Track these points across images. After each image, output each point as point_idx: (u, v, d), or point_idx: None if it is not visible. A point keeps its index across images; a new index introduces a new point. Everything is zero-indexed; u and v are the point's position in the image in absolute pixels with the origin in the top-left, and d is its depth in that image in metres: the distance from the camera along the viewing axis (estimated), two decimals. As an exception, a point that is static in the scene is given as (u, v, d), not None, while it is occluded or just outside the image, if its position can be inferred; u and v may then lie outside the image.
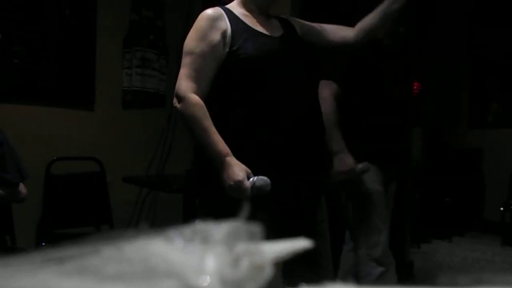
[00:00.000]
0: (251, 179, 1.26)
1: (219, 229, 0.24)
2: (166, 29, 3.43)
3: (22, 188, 1.81)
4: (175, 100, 1.37)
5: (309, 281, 0.28)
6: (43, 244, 2.64)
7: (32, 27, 2.96)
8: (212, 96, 1.39)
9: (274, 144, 1.35)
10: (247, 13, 1.45)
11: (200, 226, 0.25)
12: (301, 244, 0.27)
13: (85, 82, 3.12)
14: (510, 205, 4.04)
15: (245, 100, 1.36)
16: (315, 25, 1.59)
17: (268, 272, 0.24)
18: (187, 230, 0.25)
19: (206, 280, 0.22)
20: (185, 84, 1.35)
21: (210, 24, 1.38)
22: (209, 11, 1.40)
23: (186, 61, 1.38)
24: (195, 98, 1.33)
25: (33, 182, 2.08)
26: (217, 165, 1.29)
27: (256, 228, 0.25)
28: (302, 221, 1.44)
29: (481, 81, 4.86)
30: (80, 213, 2.78)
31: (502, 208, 4.05)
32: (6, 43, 2.85)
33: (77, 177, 2.82)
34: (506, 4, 4.30)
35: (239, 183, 1.24)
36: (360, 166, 1.89)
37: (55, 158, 2.74)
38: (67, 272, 0.22)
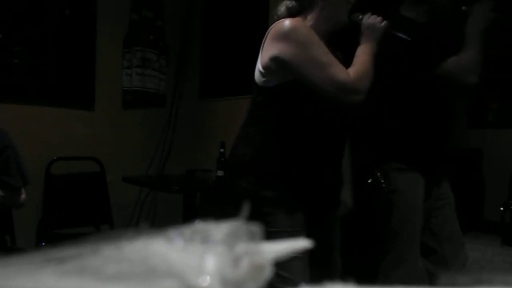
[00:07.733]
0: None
1: (219, 229, 0.24)
2: (166, 29, 3.43)
3: (21, 193, 1.81)
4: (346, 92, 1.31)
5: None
6: (43, 244, 2.64)
7: (32, 27, 2.96)
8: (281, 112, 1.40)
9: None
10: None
11: (200, 226, 0.25)
12: (300, 244, 0.27)
13: (85, 82, 3.13)
14: (510, 205, 4.03)
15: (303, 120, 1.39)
16: None
17: (268, 272, 0.24)
18: (187, 230, 0.25)
19: (206, 280, 0.22)
20: (342, 74, 1.30)
21: (310, 31, 1.34)
22: (295, 21, 1.34)
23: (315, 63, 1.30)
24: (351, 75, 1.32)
25: (33, 182, 2.07)
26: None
27: (256, 228, 0.25)
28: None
29: (481, 81, 4.86)
30: (80, 213, 2.78)
31: (502, 208, 4.04)
32: (6, 43, 2.86)
33: (77, 177, 2.82)
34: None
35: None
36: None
37: (55, 158, 2.74)
38: (67, 272, 0.22)
